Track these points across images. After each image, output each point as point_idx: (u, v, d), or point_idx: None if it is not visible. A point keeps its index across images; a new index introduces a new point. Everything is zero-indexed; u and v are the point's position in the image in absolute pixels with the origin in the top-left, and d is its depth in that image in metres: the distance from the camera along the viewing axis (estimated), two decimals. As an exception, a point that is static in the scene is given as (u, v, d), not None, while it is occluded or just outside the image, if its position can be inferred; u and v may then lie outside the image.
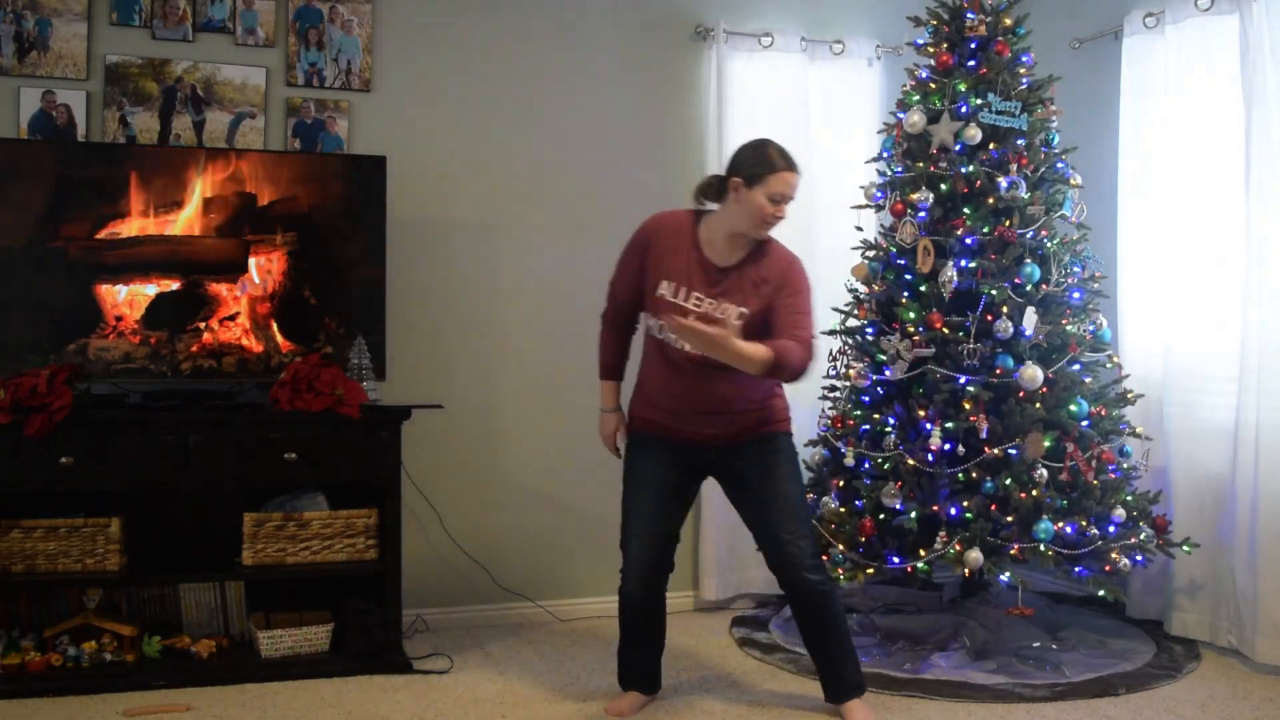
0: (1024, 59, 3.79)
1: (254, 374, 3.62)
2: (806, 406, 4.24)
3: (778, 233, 4.08)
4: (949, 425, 3.50)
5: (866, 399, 3.79)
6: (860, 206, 3.96)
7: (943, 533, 3.44)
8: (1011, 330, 3.52)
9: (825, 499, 3.70)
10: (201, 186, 3.58)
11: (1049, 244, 3.64)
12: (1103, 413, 3.64)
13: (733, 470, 3.11)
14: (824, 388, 4.00)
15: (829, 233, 4.26)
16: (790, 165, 2.95)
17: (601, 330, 3.25)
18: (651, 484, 3.11)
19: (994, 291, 3.55)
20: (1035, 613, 3.66)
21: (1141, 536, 3.58)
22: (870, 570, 3.56)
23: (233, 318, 3.62)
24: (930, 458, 3.51)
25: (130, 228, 3.53)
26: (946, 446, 3.49)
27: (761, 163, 2.94)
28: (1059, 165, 3.78)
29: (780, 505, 3.04)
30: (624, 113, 4.26)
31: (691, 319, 2.81)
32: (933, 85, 3.80)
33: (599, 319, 3.25)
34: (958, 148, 3.68)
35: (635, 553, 3.10)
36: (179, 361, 3.56)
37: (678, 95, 4.33)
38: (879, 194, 3.89)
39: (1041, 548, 3.40)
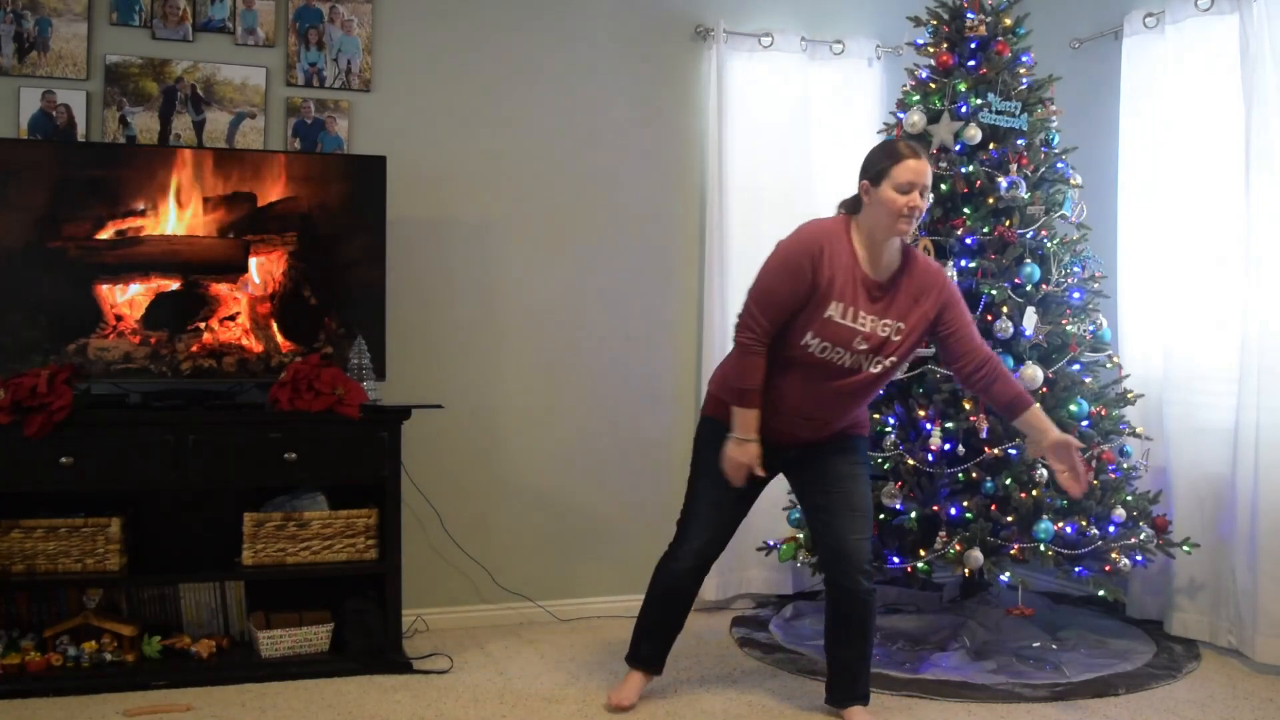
0: (1024, 59, 3.79)
1: (254, 374, 3.62)
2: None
3: (775, 228, 4.09)
4: (949, 425, 3.50)
5: (866, 399, 3.79)
6: (860, 206, 3.96)
7: (943, 533, 3.45)
8: (1011, 330, 3.52)
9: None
10: (201, 187, 3.58)
11: (1049, 244, 3.64)
12: (1103, 413, 3.64)
13: (812, 466, 3.10)
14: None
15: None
16: (915, 153, 2.88)
17: (746, 357, 2.94)
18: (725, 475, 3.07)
19: (994, 291, 3.55)
20: (1035, 613, 3.66)
21: (1141, 536, 3.58)
22: (870, 570, 3.56)
23: (233, 318, 3.62)
24: (930, 458, 3.51)
25: (130, 228, 3.53)
26: (946, 446, 3.49)
27: (883, 157, 2.90)
28: (1059, 165, 3.78)
29: (852, 505, 3.05)
30: (624, 112, 4.26)
31: (1068, 471, 2.91)
32: (933, 85, 3.80)
33: (737, 343, 2.97)
34: (958, 148, 3.68)
35: (696, 537, 3.12)
36: (179, 361, 3.56)
37: (678, 95, 4.33)
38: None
39: (1041, 548, 3.40)
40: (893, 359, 2.95)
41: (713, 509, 3.12)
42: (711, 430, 3.10)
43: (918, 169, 2.86)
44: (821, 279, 2.86)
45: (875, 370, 2.95)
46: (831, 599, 3.11)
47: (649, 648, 3.25)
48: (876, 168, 2.89)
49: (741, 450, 2.98)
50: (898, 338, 2.93)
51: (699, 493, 3.13)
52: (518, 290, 4.15)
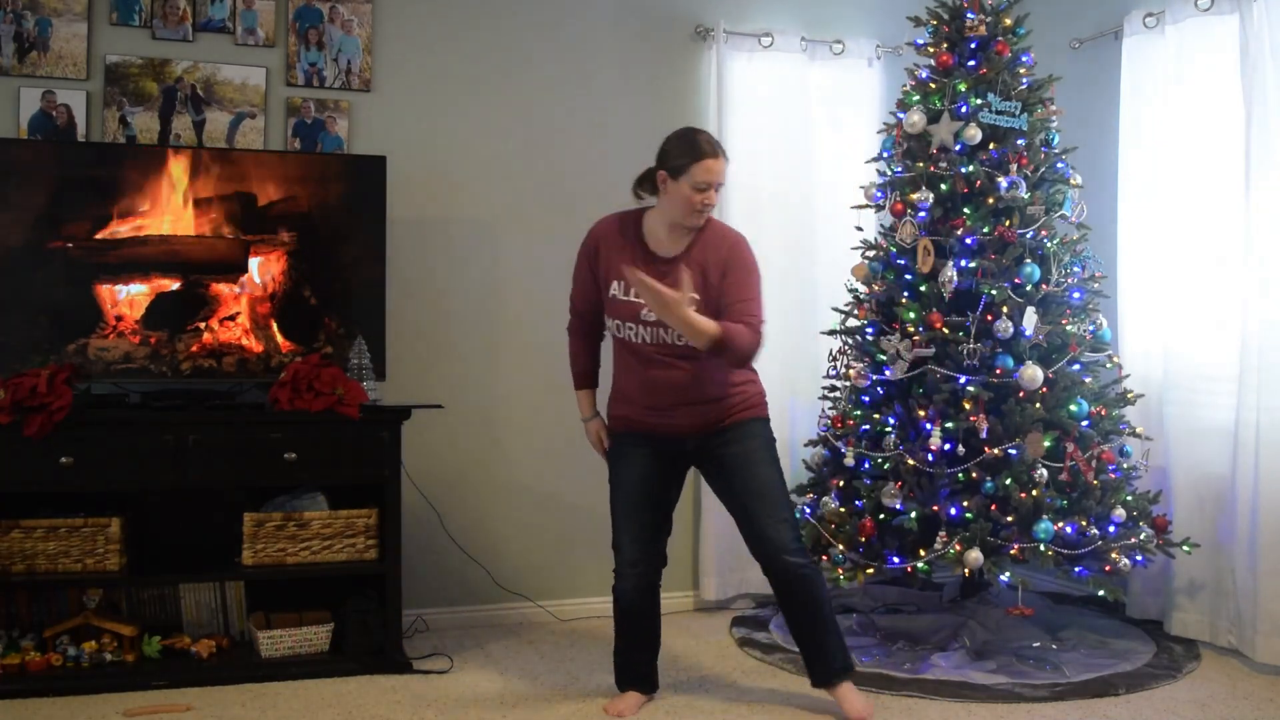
0: (1024, 59, 3.79)
1: (254, 374, 3.62)
2: (807, 406, 4.25)
3: (775, 228, 4.09)
4: (949, 425, 3.50)
5: (866, 399, 3.79)
6: (860, 206, 3.96)
7: (943, 533, 3.44)
8: (1011, 330, 3.52)
9: (825, 499, 3.70)
10: (201, 187, 3.58)
11: (1049, 244, 3.64)
12: (1103, 413, 3.64)
13: (712, 458, 3.13)
14: (824, 388, 4.00)
15: (829, 233, 4.27)
16: (714, 152, 2.97)
17: (569, 342, 3.30)
18: (635, 481, 3.15)
19: (994, 291, 3.55)
20: (1035, 613, 3.66)
21: (1141, 536, 3.58)
22: (870, 570, 3.56)
23: (233, 318, 3.62)
24: (930, 458, 3.50)
25: (130, 228, 3.53)
26: (946, 446, 3.49)
27: (685, 153, 2.97)
28: (1059, 165, 3.78)
29: (759, 489, 3.06)
30: (624, 112, 4.26)
31: (644, 279, 2.85)
32: (933, 85, 3.80)
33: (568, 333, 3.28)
34: (958, 148, 3.68)
35: (627, 551, 3.15)
36: (179, 361, 3.56)
37: (678, 95, 4.33)
38: (879, 194, 3.89)
39: (1041, 548, 3.40)
40: None
41: (628, 518, 3.15)
42: (613, 440, 3.23)
43: (715, 169, 2.96)
44: (599, 268, 3.10)
45: (680, 341, 2.97)
46: (773, 586, 3.15)
47: (630, 671, 3.25)
48: (676, 162, 2.98)
49: (586, 430, 3.31)
50: (690, 306, 2.85)
51: (614, 507, 3.18)
52: (518, 290, 4.15)
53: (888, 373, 3.64)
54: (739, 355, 2.94)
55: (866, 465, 3.67)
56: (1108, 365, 3.79)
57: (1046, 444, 3.44)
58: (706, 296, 2.96)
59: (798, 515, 3.76)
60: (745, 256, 3.04)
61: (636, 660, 3.24)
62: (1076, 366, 3.65)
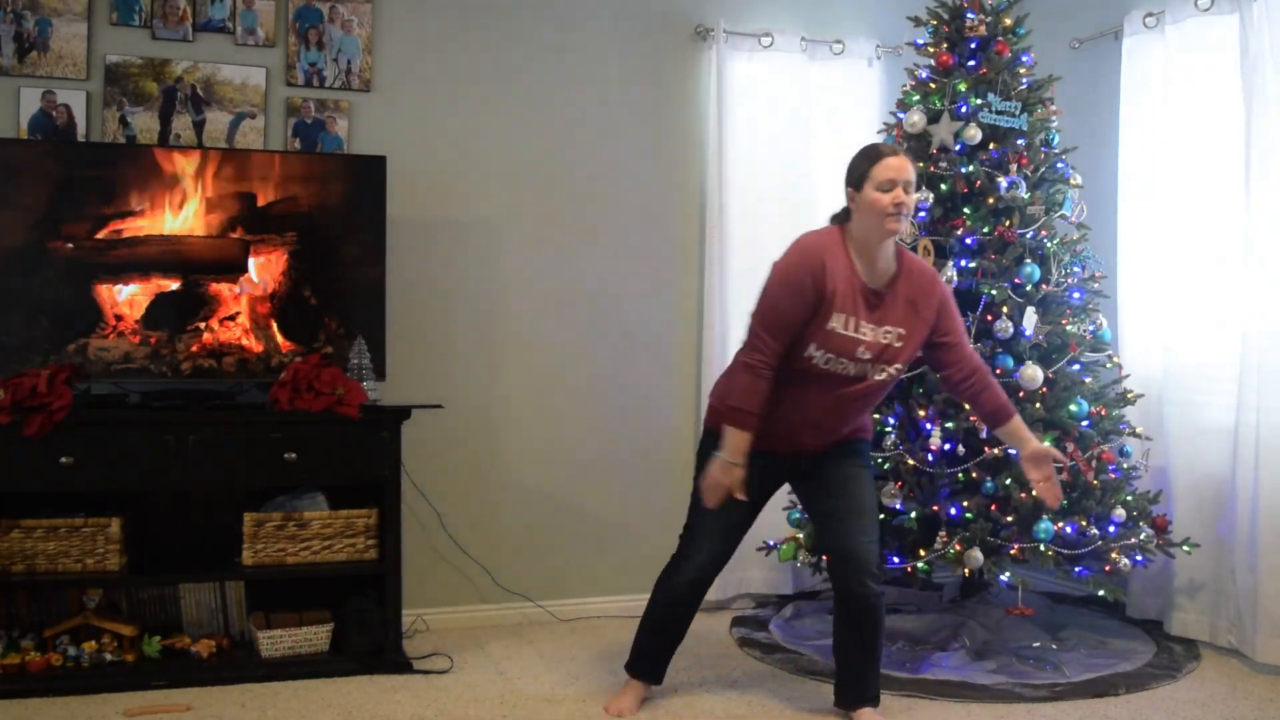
0: (1024, 59, 3.79)
1: (254, 374, 3.62)
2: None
3: (775, 228, 4.09)
4: (949, 425, 3.50)
5: (866, 399, 3.79)
6: (860, 206, 3.96)
7: (943, 533, 3.45)
8: (1011, 330, 3.52)
9: (825, 499, 3.70)
10: (201, 186, 3.58)
11: (1049, 244, 3.64)
12: (1103, 413, 3.64)
13: (816, 473, 3.09)
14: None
15: (829, 233, 4.26)
16: (893, 150, 2.88)
17: (750, 379, 2.87)
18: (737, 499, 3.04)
19: (994, 291, 3.55)
20: (1035, 613, 3.66)
21: (1141, 536, 3.58)
22: (870, 570, 3.56)
23: (233, 318, 3.62)
24: (930, 458, 3.51)
25: (130, 228, 3.53)
26: (946, 446, 3.49)
27: (863, 160, 2.90)
28: (1059, 165, 3.78)
29: (858, 509, 3.04)
30: (624, 112, 4.26)
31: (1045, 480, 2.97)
32: (933, 85, 3.80)
33: (744, 364, 2.90)
34: (958, 148, 3.68)
35: (698, 552, 3.10)
36: (179, 361, 3.56)
37: (678, 95, 4.33)
38: (879, 194, 3.88)
39: (1041, 548, 3.40)
40: (897, 365, 2.95)
41: (716, 526, 3.09)
42: (713, 445, 3.01)
43: (898, 166, 2.85)
44: (826, 292, 2.84)
45: (880, 377, 2.95)
46: (840, 603, 3.08)
47: (649, 659, 3.25)
48: (858, 172, 2.90)
49: (726, 473, 2.90)
50: (899, 344, 2.92)
51: (702, 510, 3.06)
52: (518, 290, 4.15)
53: (888, 373, 3.63)
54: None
55: (866, 465, 3.67)
56: (1108, 365, 3.79)
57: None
58: (913, 328, 2.93)
59: (799, 515, 3.78)
60: (948, 291, 3.04)
61: (656, 649, 3.23)
62: (1076, 366, 3.65)
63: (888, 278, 2.93)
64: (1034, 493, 3.05)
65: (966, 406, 3.49)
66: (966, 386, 3.03)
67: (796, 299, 2.84)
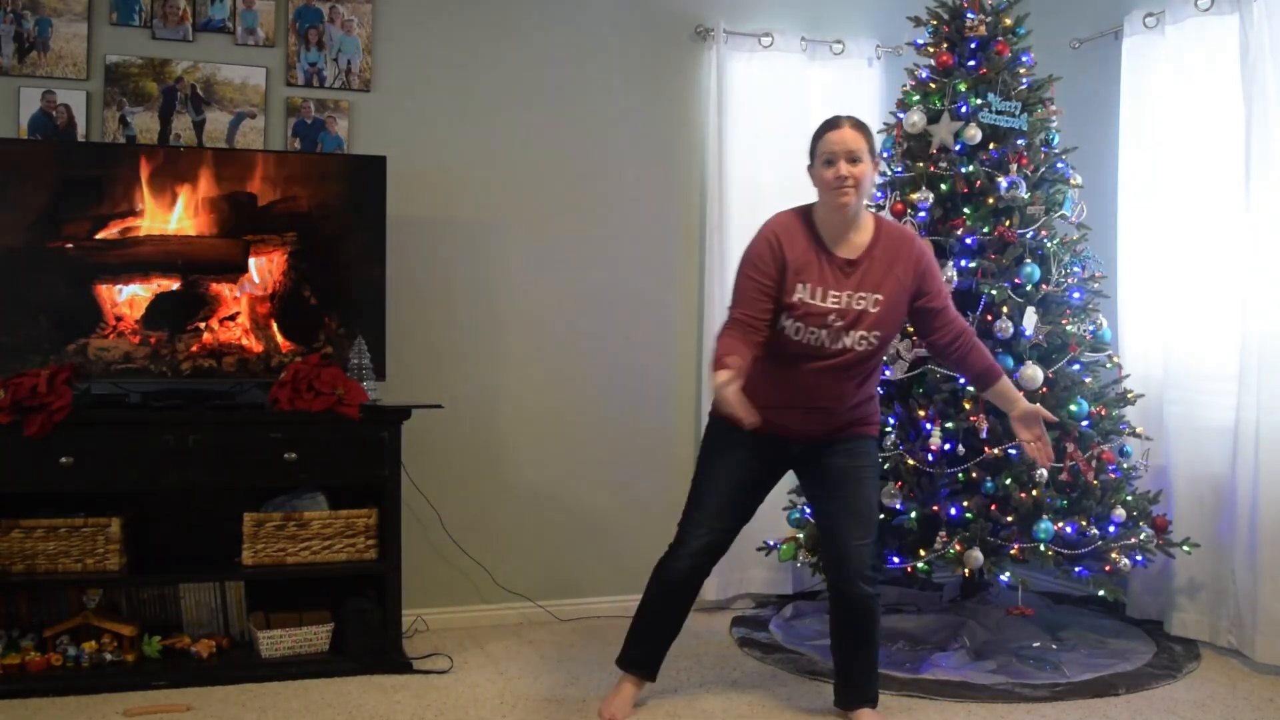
0: (1024, 59, 3.79)
1: (254, 374, 3.62)
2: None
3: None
4: (949, 425, 3.50)
5: (866, 399, 3.79)
6: (860, 206, 3.96)
7: (943, 533, 3.45)
8: (1011, 330, 3.52)
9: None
10: (201, 186, 3.58)
11: (1049, 244, 3.64)
12: (1103, 413, 3.64)
13: (819, 465, 3.08)
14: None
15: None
16: (836, 124, 2.92)
17: (725, 341, 2.87)
18: (733, 479, 3.07)
19: (994, 291, 3.55)
20: (1035, 613, 3.66)
21: (1141, 536, 3.58)
22: (870, 570, 3.56)
23: (233, 318, 3.62)
24: (930, 458, 3.51)
25: (130, 228, 3.53)
26: (946, 446, 3.49)
27: (813, 138, 2.97)
28: (1059, 165, 3.78)
29: (857, 509, 3.03)
30: (624, 112, 4.26)
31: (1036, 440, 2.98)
32: (933, 85, 3.80)
33: (720, 336, 2.91)
34: (958, 148, 3.68)
35: (697, 538, 3.08)
36: (179, 361, 3.56)
37: (678, 95, 4.33)
38: (879, 194, 3.89)
39: (1041, 548, 3.40)
40: (878, 332, 2.93)
41: (712, 508, 3.08)
42: (716, 430, 3.08)
43: (837, 139, 2.89)
44: (786, 262, 2.91)
45: (862, 348, 2.93)
46: (834, 603, 3.10)
47: (641, 651, 3.19)
48: (811, 149, 2.97)
49: (722, 399, 2.75)
50: (876, 309, 2.91)
51: (702, 493, 3.09)
52: (518, 290, 4.15)
53: (888, 373, 3.64)
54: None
55: (866, 465, 3.67)
56: (1108, 365, 3.79)
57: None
58: (891, 292, 2.92)
59: (799, 515, 3.78)
60: (927, 252, 3.03)
61: (650, 641, 3.17)
62: (1076, 366, 3.65)
63: (862, 247, 2.94)
64: (1026, 452, 3.03)
65: (967, 406, 3.50)
66: (955, 349, 3.02)
67: (757, 270, 2.92)
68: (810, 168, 2.98)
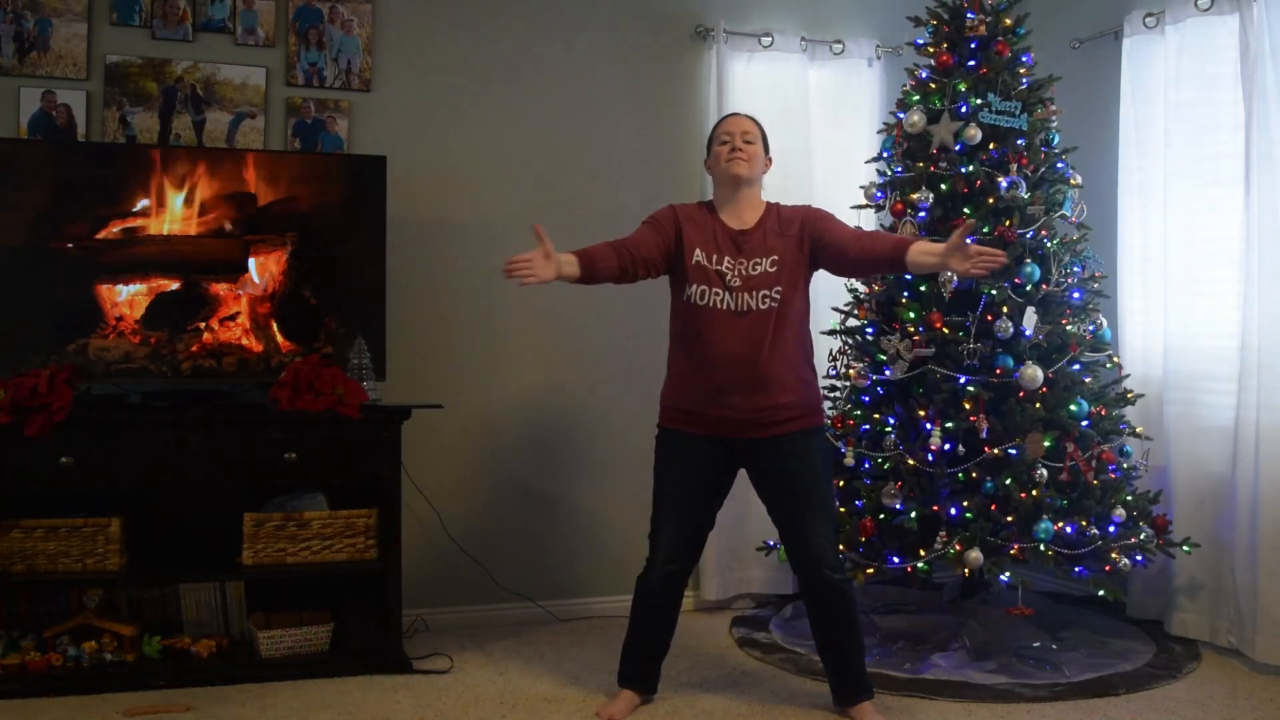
0: (1024, 59, 3.79)
1: (254, 374, 3.62)
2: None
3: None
4: (949, 425, 3.50)
5: (866, 399, 3.79)
6: (860, 206, 3.97)
7: (943, 533, 3.44)
8: (1011, 330, 3.52)
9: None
10: (201, 186, 3.58)
11: (1049, 244, 3.64)
12: (1103, 413, 3.64)
13: (767, 465, 3.11)
14: (824, 388, 3.99)
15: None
16: (732, 115, 3.25)
17: (599, 250, 3.07)
18: (685, 479, 3.14)
19: (994, 291, 3.55)
20: (1035, 613, 3.66)
21: (1141, 536, 3.58)
22: (870, 570, 3.56)
23: (233, 318, 3.62)
24: (930, 458, 3.50)
25: (130, 228, 3.53)
26: (946, 446, 3.49)
27: (710, 134, 3.25)
28: (1059, 165, 3.78)
29: (810, 504, 3.07)
30: (624, 112, 4.26)
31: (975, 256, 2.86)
32: (933, 85, 3.80)
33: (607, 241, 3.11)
34: (958, 148, 3.68)
35: (664, 547, 3.14)
36: (179, 361, 3.56)
37: (678, 95, 4.33)
38: (879, 194, 3.89)
39: (1041, 548, 3.40)
40: (778, 288, 3.05)
41: (671, 516, 3.14)
42: (661, 440, 3.21)
43: (733, 121, 3.19)
44: (681, 229, 3.14)
45: (764, 305, 3.04)
46: (807, 598, 3.16)
47: (633, 666, 3.24)
48: (708, 142, 3.25)
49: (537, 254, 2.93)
50: (773, 269, 3.06)
51: (660, 503, 3.17)
52: (518, 290, 4.12)
53: (888, 373, 3.64)
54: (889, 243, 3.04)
55: (866, 465, 3.67)
56: (1108, 365, 3.79)
57: (1046, 444, 3.44)
58: (784, 249, 3.07)
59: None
60: (820, 210, 3.19)
61: (644, 656, 3.23)
62: (1076, 366, 3.65)
63: (755, 221, 3.13)
64: (974, 273, 2.88)
65: (967, 406, 3.50)
66: (859, 252, 3.04)
67: (655, 221, 3.19)
68: (707, 160, 3.24)
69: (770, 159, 3.23)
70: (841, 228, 3.12)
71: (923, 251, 2.95)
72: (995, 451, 3.48)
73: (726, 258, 3.07)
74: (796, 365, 3.11)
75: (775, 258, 3.06)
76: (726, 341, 3.04)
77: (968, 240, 2.86)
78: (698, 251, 3.09)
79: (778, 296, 3.04)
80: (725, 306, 3.04)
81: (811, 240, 3.10)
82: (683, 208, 3.21)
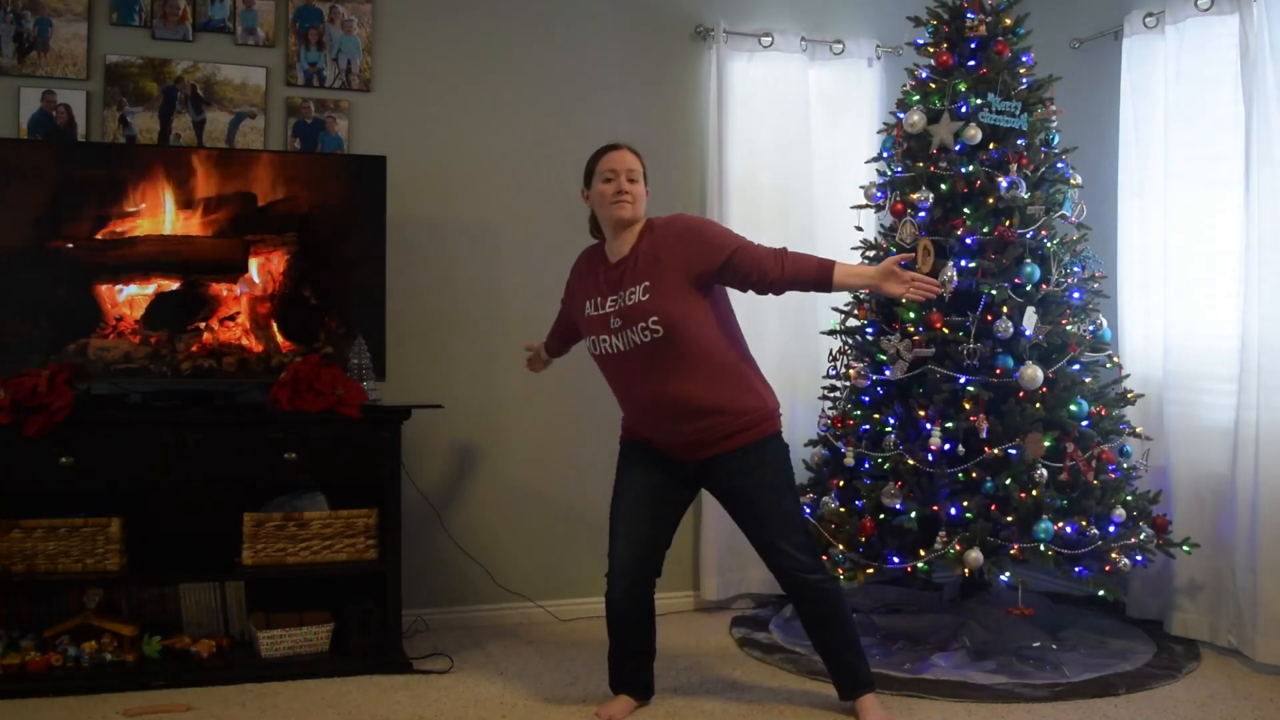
0: (1024, 59, 3.79)
1: (254, 374, 3.62)
2: (807, 406, 4.25)
3: (775, 228, 4.10)
4: (949, 425, 3.49)
5: (866, 399, 3.79)
6: (860, 206, 3.96)
7: (943, 533, 3.44)
8: (1011, 330, 3.52)
9: (825, 499, 3.70)
10: (201, 187, 3.58)
11: (1049, 244, 3.64)
12: (1103, 413, 3.64)
13: (722, 486, 3.12)
14: (824, 388, 4.00)
15: (829, 232, 4.26)
16: (614, 147, 3.12)
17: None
18: (638, 491, 3.13)
19: (994, 291, 3.55)
20: (1035, 613, 3.66)
21: (1141, 536, 3.58)
22: (870, 570, 3.56)
23: (233, 318, 3.62)
24: (930, 458, 3.50)
25: (130, 228, 3.53)
26: (946, 446, 3.49)
27: (590, 163, 3.15)
28: (1059, 165, 3.78)
29: (772, 515, 3.05)
30: (624, 112, 4.26)
31: (910, 281, 2.90)
32: (933, 85, 3.80)
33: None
34: (958, 148, 3.68)
35: (619, 559, 3.12)
36: (179, 361, 3.56)
37: (678, 95, 4.33)
38: (879, 194, 3.89)
39: (1041, 548, 3.40)
40: (654, 318, 2.92)
41: (625, 527, 3.13)
42: (623, 453, 3.21)
43: (617, 157, 3.09)
44: (574, 294, 3.19)
45: (645, 339, 2.95)
46: (794, 603, 3.17)
47: (621, 674, 3.23)
48: (587, 172, 3.14)
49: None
50: (646, 296, 2.94)
51: (613, 513, 3.17)
52: (517, 290, 4.15)
53: (888, 373, 3.64)
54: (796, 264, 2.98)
55: (866, 465, 3.67)
56: (1108, 365, 3.79)
57: (1046, 444, 3.44)
58: (657, 274, 2.95)
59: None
60: (687, 221, 3.06)
61: (628, 665, 3.23)
62: (1076, 366, 3.65)
63: (628, 250, 3.05)
64: (910, 297, 2.94)
65: (967, 406, 3.50)
66: (778, 272, 2.96)
67: (566, 295, 3.30)
68: (585, 190, 3.14)
69: (648, 189, 3.13)
70: (743, 244, 2.99)
71: (849, 274, 2.97)
72: (995, 451, 3.48)
73: (610, 298, 3.02)
74: (721, 379, 3.00)
75: (646, 284, 2.95)
76: (630, 383, 3.06)
77: (896, 265, 2.92)
78: (587, 304, 3.09)
79: (656, 325, 2.92)
80: (614, 350, 3.02)
81: (704, 262, 2.97)
82: (579, 259, 3.23)
